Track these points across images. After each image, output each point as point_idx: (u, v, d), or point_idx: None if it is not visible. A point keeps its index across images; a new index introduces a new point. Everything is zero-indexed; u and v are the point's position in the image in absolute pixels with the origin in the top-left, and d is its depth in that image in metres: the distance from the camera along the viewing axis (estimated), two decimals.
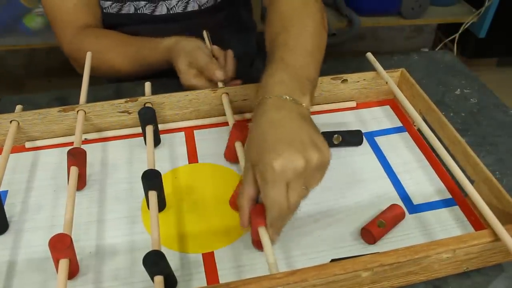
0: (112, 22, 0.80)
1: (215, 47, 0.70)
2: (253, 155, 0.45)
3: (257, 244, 0.47)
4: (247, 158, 0.47)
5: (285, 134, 0.44)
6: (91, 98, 0.62)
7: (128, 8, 0.79)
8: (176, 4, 0.80)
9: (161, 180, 0.50)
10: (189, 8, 0.81)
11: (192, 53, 0.66)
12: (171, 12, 0.81)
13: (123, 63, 0.76)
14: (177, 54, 0.67)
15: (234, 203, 0.52)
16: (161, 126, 0.62)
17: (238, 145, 0.55)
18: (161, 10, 0.80)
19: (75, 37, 0.77)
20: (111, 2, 0.78)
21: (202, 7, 0.82)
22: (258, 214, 0.45)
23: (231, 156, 0.58)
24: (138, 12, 0.80)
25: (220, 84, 0.64)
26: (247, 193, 0.46)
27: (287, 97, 0.48)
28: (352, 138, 0.61)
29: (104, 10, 0.79)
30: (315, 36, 0.56)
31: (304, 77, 0.51)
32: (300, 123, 0.46)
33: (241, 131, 0.55)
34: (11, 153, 0.56)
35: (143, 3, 0.79)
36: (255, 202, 0.46)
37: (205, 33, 0.73)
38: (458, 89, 0.74)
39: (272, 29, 0.58)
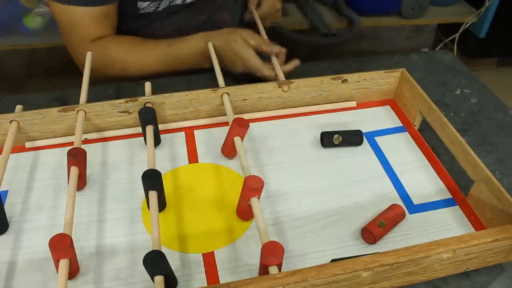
0: (147, 21, 0.80)
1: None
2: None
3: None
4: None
5: None
6: (91, 98, 0.62)
7: (164, 3, 0.79)
8: None
9: (161, 180, 0.50)
10: None
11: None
12: None
13: (153, 61, 0.76)
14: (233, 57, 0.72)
15: (241, 214, 0.51)
16: (161, 126, 0.62)
17: (237, 140, 0.55)
18: None
19: (94, 46, 0.74)
20: (149, 1, 0.77)
21: None
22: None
23: (227, 151, 0.58)
24: (171, 4, 0.80)
25: (220, 85, 0.64)
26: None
27: None
28: (352, 138, 0.61)
29: (141, 11, 0.78)
30: None
31: None
32: None
33: (241, 127, 0.56)
34: (11, 153, 0.56)
35: None
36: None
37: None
38: (458, 89, 0.74)
39: None
